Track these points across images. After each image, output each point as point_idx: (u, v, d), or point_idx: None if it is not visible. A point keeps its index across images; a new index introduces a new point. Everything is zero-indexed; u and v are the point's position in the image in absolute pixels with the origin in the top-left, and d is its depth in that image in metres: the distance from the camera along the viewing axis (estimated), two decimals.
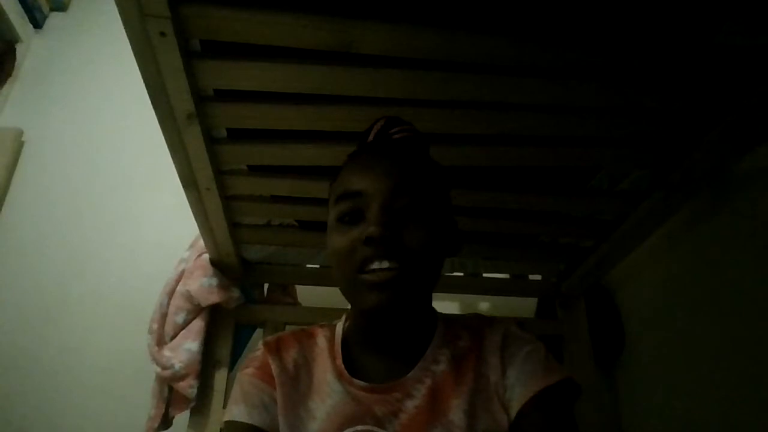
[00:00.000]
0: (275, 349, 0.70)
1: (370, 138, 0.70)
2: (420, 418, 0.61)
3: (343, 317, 0.74)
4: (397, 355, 0.66)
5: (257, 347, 0.72)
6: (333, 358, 0.68)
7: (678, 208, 0.94)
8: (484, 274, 1.29)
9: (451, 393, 0.62)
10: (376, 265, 0.58)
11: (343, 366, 0.67)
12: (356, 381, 0.65)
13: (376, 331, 0.67)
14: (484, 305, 1.42)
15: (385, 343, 0.67)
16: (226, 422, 0.66)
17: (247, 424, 0.64)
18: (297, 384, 0.67)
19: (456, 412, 0.61)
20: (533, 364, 0.63)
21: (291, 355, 0.70)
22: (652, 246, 1.06)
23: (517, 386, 0.62)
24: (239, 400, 0.67)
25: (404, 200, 0.61)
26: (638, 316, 1.17)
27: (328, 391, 0.65)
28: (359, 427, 0.61)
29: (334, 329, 0.73)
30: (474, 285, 1.29)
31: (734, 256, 0.91)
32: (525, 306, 1.34)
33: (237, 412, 0.65)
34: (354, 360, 0.68)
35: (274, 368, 0.68)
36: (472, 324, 0.70)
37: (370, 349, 0.68)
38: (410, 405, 0.62)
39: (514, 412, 0.61)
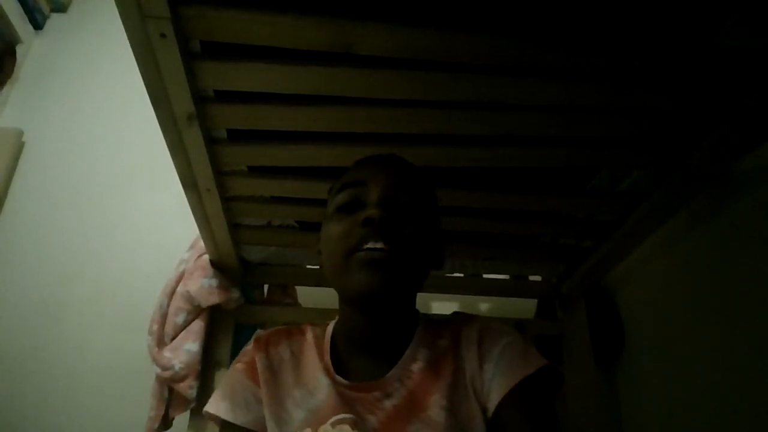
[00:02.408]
0: (264, 344, 0.73)
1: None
2: (398, 415, 0.62)
3: (336, 318, 0.76)
4: (378, 355, 0.68)
5: (249, 342, 0.76)
6: (321, 355, 0.71)
7: (678, 208, 0.94)
8: (484, 275, 1.29)
9: (429, 390, 0.63)
10: (370, 245, 0.60)
11: (330, 363, 0.69)
12: (339, 378, 0.67)
13: (362, 325, 0.68)
14: (484, 306, 1.42)
15: (369, 341, 0.69)
16: (210, 413, 0.69)
17: (230, 422, 0.68)
18: (282, 376, 0.70)
19: (434, 407, 0.62)
20: (511, 356, 0.64)
21: (279, 349, 0.73)
22: (652, 246, 1.05)
23: (496, 379, 0.63)
24: (225, 395, 0.70)
25: (403, 197, 0.65)
26: (638, 316, 1.17)
27: (316, 385, 0.67)
28: (342, 415, 0.62)
29: (326, 328, 0.75)
30: (474, 286, 1.29)
31: (734, 256, 0.91)
32: (525, 307, 1.34)
33: (222, 408, 0.69)
34: (340, 359, 0.70)
35: (259, 365, 0.70)
36: (451, 322, 0.72)
37: (355, 348, 0.70)
38: (389, 404, 0.63)
39: (493, 405, 0.62)
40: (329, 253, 0.65)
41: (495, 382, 0.63)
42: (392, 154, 0.75)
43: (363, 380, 0.66)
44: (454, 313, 0.75)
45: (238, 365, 0.72)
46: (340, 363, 0.69)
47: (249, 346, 0.75)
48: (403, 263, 0.62)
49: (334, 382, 0.67)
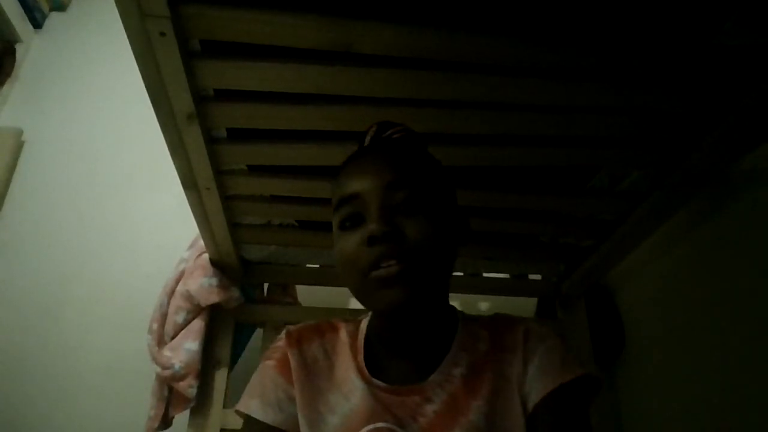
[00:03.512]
0: (296, 340, 0.70)
1: (366, 143, 0.70)
2: (439, 422, 0.61)
3: (369, 314, 0.73)
4: (417, 357, 0.66)
5: (279, 337, 0.72)
6: (354, 355, 0.68)
7: (678, 208, 0.94)
8: (484, 274, 1.29)
9: (471, 395, 0.62)
10: (383, 264, 0.58)
11: (363, 364, 0.67)
12: (376, 381, 0.65)
13: (394, 331, 0.67)
14: (484, 305, 1.42)
15: (404, 345, 0.67)
16: (241, 413, 0.67)
17: (262, 422, 0.65)
18: (316, 377, 0.67)
19: (476, 413, 0.61)
20: (551, 360, 0.63)
21: (312, 347, 0.70)
22: (652, 246, 1.06)
23: (535, 381, 0.62)
24: (256, 393, 0.67)
25: (401, 194, 0.61)
26: (638, 316, 1.17)
27: (351, 387, 0.65)
28: (380, 424, 0.61)
29: (359, 325, 0.72)
30: (474, 285, 1.29)
31: (734, 255, 0.91)
32: (525, 306, 1.34)
33: (253, 407, 0.66)
34: (375, 359, 0.67)
35: (293, 362, 0.68)
36: (492, 324, 0.70)
37: (391, 351, 0.67)
38: (429, 409, 0.62)
39: (531, 406, 0.62)
40: (345, 273, 0.63)
41: (534, 384, 0.62)
42: (377, 139, 0.70)
43: (400, 383, 0.64)
44: (496, 315, 0.73)
45: (270, 362, 0.69)
46: (375, 363, 0.67)
47: (280, 342, 0.71)
48: (420, 268, 0.59)
49: (369, 384, 0.64)
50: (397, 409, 0.62)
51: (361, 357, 0.67)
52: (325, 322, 0.74)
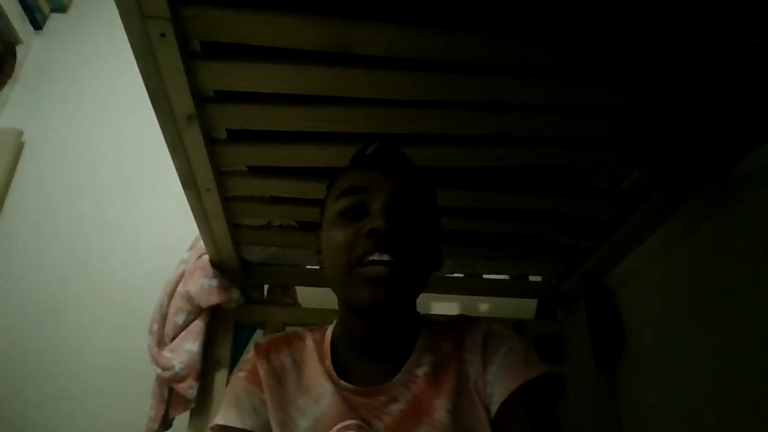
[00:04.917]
0: (265, 352, 0.73)
1: (368, 152, 0.73)
2: (404, 421, 0.62)
3: (335, 321, 0.75)
4: (382, 359, 0.68)
5: (248, 350, 0.76)
6: (322, 360, 0.70)
7: (678, 208, 0.94)
8: (484, 275, 1.29)
9: (434, 394, 0.64)
10: (376, 257, 0.60)
11: (332, 367, 0.69)
12: (343, 383, 0.66)
13: (366, 330, 0.68)
14: (483, 306, 1.42)
15: (371, 346, 0.69)
16: (220, 426, 0.68)
17: (240, 428, 0.67)
18: (285, 384, 0.69)
19: (440, 411, 0.62)
20: (513, 360, 0.65)
21: (280, 357, 0.72)
22: (652, 246, 1.06)
23: (498, 382, 0.63)
24: (231, 404, 0.69)
25: (406, 203, 0.65)
26: (638, 316, 1.17)
27: (320, 391, 0.67)
28: (348, 422, 0.62)
29: (325, 332, 0.75)
30: (474, 286, 1.29)
31: (734, 256, 0.91)
32: (525, 307, 1.34)
33: (230, 416, 0.68)
34: (342, 362, 0.70)
35: (261, 372, 0.70)
36: (454, 325, 0.72)
37: (357, 352, 0.69)
38: (394, 408, 0.63)
39: (495, 408, 0.62)
40: (332, 261, 0.65)
41: (497, 385, 0.63)
42: (391, 150, 0.74)
43: (366, 384, 0.66)
44: (459, 316, 0.75)
45: (241, 374, 0.72)
46: (341, 366, 0.69)
47: (249, 355, 0.74)
48: (407, 275, 0.62)
49: (337, 387, 0.66)
50: (364, 409, 0.64)
51: (328, 361, 0.69)
52: (292, 333, 0.77)
